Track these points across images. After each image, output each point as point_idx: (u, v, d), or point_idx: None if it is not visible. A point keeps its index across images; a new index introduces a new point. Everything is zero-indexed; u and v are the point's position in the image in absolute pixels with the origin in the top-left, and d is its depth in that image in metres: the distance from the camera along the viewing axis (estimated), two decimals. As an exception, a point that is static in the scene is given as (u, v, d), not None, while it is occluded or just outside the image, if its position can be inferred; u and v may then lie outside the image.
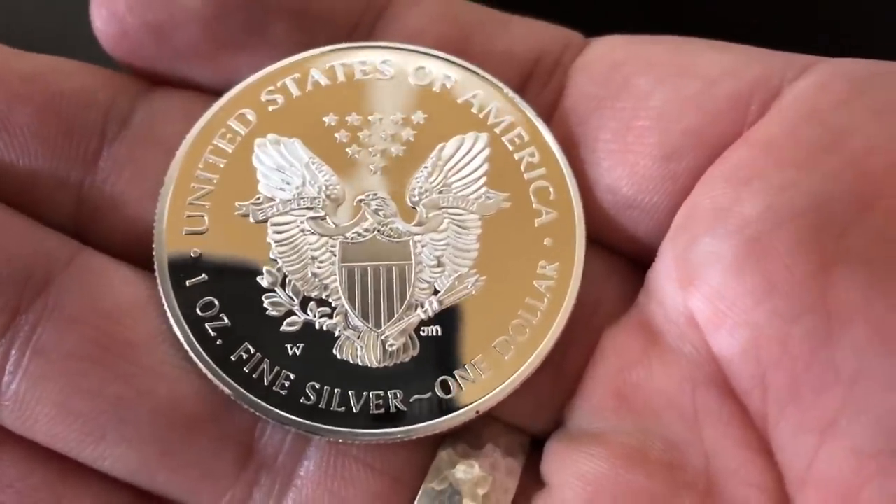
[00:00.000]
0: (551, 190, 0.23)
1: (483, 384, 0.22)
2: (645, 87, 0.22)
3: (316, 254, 0.23)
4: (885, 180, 0.20)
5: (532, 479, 0.22)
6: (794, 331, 0.20)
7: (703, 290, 0.21)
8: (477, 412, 0.22)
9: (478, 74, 0.24)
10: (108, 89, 0.23)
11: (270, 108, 0.23)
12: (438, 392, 0.22)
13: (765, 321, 0.20)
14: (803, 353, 0.20)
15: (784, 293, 0.20)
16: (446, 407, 0.22)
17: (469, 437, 0.22)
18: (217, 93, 0.24)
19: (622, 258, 0.24)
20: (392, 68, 0.24)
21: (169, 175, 0.23)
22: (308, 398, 0.22)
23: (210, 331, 0.22)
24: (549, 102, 0.24)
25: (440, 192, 0.23)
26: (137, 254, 0.23)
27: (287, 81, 0.24)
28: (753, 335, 0.20)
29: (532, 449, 0.23)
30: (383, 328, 0.22)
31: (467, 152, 0.23)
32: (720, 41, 0.23)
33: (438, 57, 0.24)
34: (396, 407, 0.22)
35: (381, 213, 0.23)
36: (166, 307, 0.22)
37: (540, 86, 0.24)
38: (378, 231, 0.23)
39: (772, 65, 0.22)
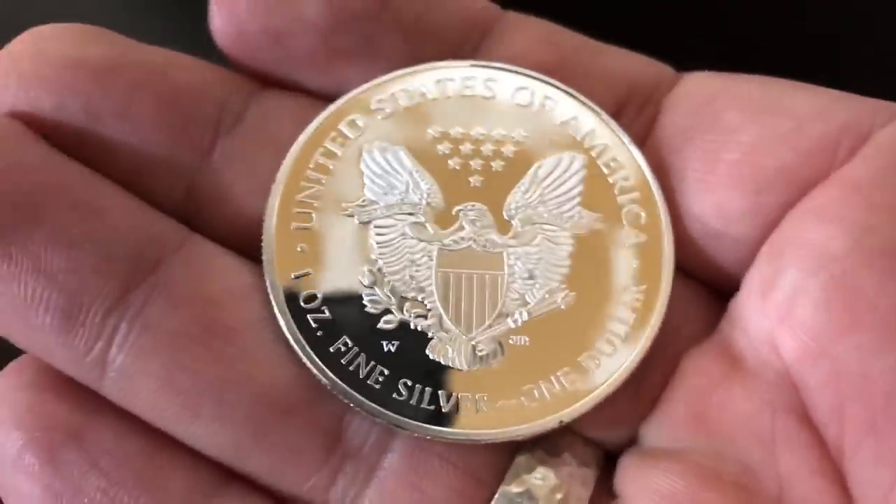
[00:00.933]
0: (643, 214, 0.24)
1: (567, 396, 0.22)
2: (735, 122, 0.23)
3: (414, 257, 0.23)
4: None
5: (604, 493, 0.23)
6: (876, 366, 0.20)
7: (789, 321, 0.22)
8: (561, 422, 0.22)
9: (576, 98, 0.25)
10: (223, 86, 0.24)
11: (379, 117, 0.24)
12: (523, 399, 0.22)
13: (847, 355, 0.21)
14: (884, 387, 0.20)
15: (868, 328, 0.21)
16: (531, 414, 0.22)
17: (547, 445, 0.23)
18: (326, 98, 0.25)
19: (706, 287, 0.24)
20: (495, 86, 0.25)
21: (281, 172, 0.24)
22: (400, 394, 0.22)
23: (311, 322, 0.23)
24: (642, 131, 0.25)
25: (536, 208, 0.24)
26: (242, 245, 0.24)
27: (396, 92, 0.24)
28: (835, 367, 0.21)
29: (606, 464, 0.23)
30: (474, 333, 0.23)
31: (564, 171, 0.24)
32: (810, 84, 0.24)
33: (539, 79, 0.25)
34: (483, 410, 0.22)
35: (477, 223, 0.24)
36: (272, 296, 0.23)
37: (634, 114, 0.25)
38: (474, 241, 0.23)
39: (861, 110, 0.23)
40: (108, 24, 0.25)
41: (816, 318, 0.21)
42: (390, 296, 0.23)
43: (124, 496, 0.22)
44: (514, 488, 0.23)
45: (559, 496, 0.22)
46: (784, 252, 0.22)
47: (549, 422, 0.22)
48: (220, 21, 0.24)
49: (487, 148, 0.24)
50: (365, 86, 0.24)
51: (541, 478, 0.23)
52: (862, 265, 0.21)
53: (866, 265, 0.21)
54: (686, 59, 0.25)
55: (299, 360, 0.22)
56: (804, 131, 0.23)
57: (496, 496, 0.22)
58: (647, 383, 0.23)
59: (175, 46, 0.25)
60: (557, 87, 0.25)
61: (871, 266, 0.21)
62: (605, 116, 0.24)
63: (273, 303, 0.23)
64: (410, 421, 0.22)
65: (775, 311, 0.22)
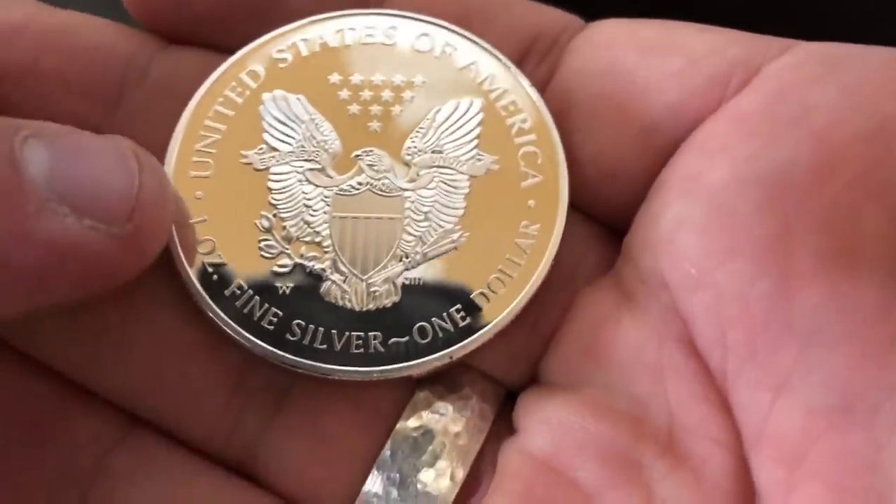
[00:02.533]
0: (539, 155, 0.24)
1: (459, 332, 0.23)
2: (630, 64, 0.23)
3: (310, 202, 0.24)
4: (846, 151, 0.21)
5: (504, 427, 0.23)
6: (754, 291, 0.21)
7: (672, 252, 0.22)
8: (450, 357, 0.23)
9: (478, 44, 0.25)
10: (128, 44, 0.25)
11: (280, 66, 0.25)
12: (416, 337, 0.23)
13: (727, 282, 0.21)
14: (761, 312, 0.21)
15: (745, 256, 0.21)
16: (422, 351, 0.23)
17: (447, 381, 0.23)
18: (232, 54, 0.25)
19: (604, 227, 0.24)
20: (396, 34, 0.25)
21: (179, 122, 0.24)
22: (293, 335, 0.23)
23: (207, 267, 0.23)
24: (543, 77, 0.25)
25: (433, 151, 0.24)
26: None
27: (297, 41, 0.25)
28: (715, 295, 0.21)
29: (507, 402, 0.24)
30: (369, 274, 0.23)
31: (462, 115, 0.24)
32: (708, 25, 0.24)
33: (441, 25, 0.25)
34: (375, 348, 0.23)
35: (375, 168, 0.24)
36: (168, 243, 0.23)
37: (536, 61, 0.25)
38: (371, 185, 0.24)
39: (753, 46, 0.23)
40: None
41: (696, 246, 0.21)
42: (286, 240, 0.23)
43: (27, 442, 0.22)
44: (412, 423, 0.23)
45: (456, 429, 0.23)
46: (669, 186, 0.22)
47: (439, 358, 0.23)
48: None
49: (387, 94, 0.24)
50: (266, 36, 0.25)
51: (439, 412, 0.23)
52: (739, 193, 0.21)
53: (743, 193, 0.21)
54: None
55: (196, 304, 0.23)
56: (695, 68, 0.23)
57: (395, 428, 0.23)
58: (545, 321, 0.23)
59: (89, 9, 0.25)
60: (459, 34, 0.25)
61: (748, 194, 0.21)
62: (506, 61, 0.24)
63: (169, 249, 0.23)
64: (303, 360, 0.22)
65: (659, 243, 0.22)
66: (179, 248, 0.23)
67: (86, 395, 0.23)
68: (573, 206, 0.24)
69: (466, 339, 0.23)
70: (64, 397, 0.23)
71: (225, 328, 0.23)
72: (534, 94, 0.24)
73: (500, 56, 0.25)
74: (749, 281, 0.21)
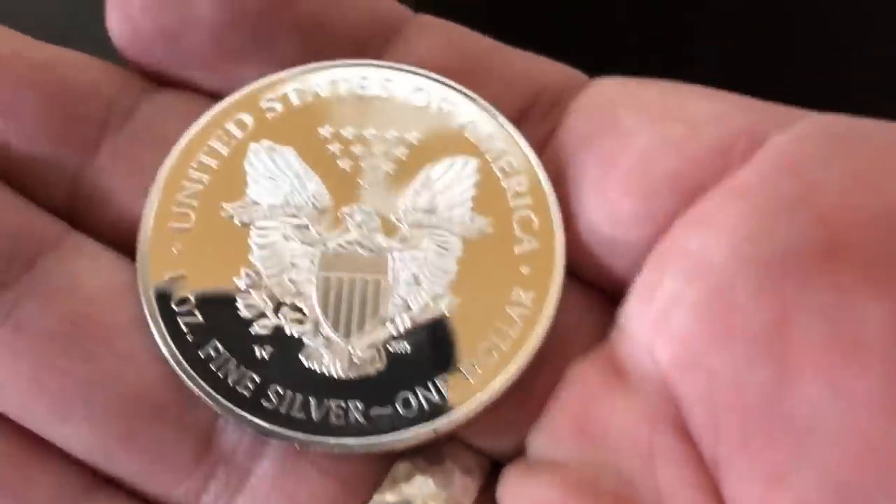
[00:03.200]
0: (534, 219, 0.23)
1: (445, 404, 0.22)
2: (631, 126, 0.23)
3: (295, 260, 0.23)
4: (850, 235, 0.20)
5: (488, 501, 0.22)
6: (750, 379, 0.20)
7: (665, 329, 0.21)
8: (434, 431, 0.22)
9: (475, 101, 0.24)
10: (113, 84, 0.24)
11: (269, 115, 0.24)
12: (399, 408, 0.22)
13: (722, 367, 0.20)
14: (756, 401, 0.20)
15: (742, 340, 0.20)
16: (406, 423, 0.22)
17: (429, 453, 0.22)
18: (222, 99, 0.24)
19: (601, 294, 0.24)
20: (392, 87, 0.24)
21: (161, 171, 0.23)
22: (270, 401, 0.22)
23: (183, 326, 0.22)
24: (543, 137, 0.24)
25: (425, 211, 0.23)
26: (125, 245, 0.23)
27: (288, 90, 0.24)
28: (709, 379, 0.20)
29: (493, 473, 0.23)
30: (352, 339, 0.22)
31: (456, 175, 0.23)
32: (713, 89, 0.23)
33: (438, 80, 0.24)
34: (356, 419, 0.22)
35: (364, 226, 0.23)
36: (142, 297, 0.22)
37: (537, 120, 0.24)
38: (359, 244, 0.23)
39: (759, 115, 0.22)
40: (8, 20, 0.25)
41: (690, 326, 0.20)
42: (267, 300, 0.22)
43: None
44: (389, 497, 0.22)
45: None
46: (666, 259, 0.21)
47: (423, 432, 0.22)
48: (115, 20, 0.24)
49: (379, 149, 0.24)
50: (255, 84, 0.24)
51: (418, 486, 0.22)
52: (738, 274, 0.20)
53: (742, 275, 0.20)
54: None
55: (169, 364, 0.22)
56: (697, 136, 0.22)
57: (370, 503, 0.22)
58: (535, 392, 0.22)
59: (82, 46, 0.25)
60: (456, 90, 0.24)
61: (747, 276, 0.20)
62: (503, 120, 0.24)
63: (143, 304, 0.22)
64: (279, 429, 0.22)
65: (653, 319, 0.21)
66: (155, 305, 0.22)
67: (49, 450, 0.22)
68: (569, 271, 0.23)
69: (453, 412, 0.22)
70: (26, 452, 0.22)
71: (197, 391, 0.22)
72: (532, 155, 0.23)
73: (498, 114, 0.24)
74: (745, 367, 0.20)
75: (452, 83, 0.24)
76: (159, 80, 0.24)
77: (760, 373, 0.20)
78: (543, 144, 0.24)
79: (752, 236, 0.21)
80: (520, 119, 0.24)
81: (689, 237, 0.21)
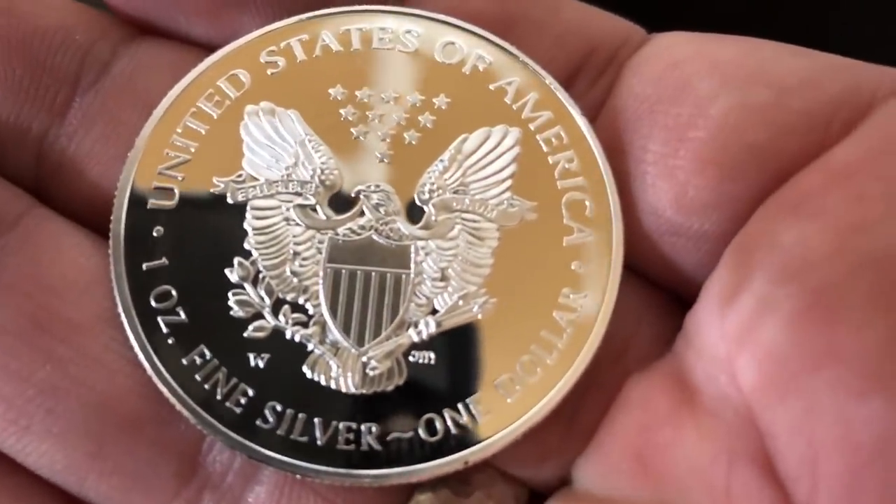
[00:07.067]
0: (588, 204, 0.21)
1: (478, 429, 0.20)
2: (706, 91, 0.21)
3: (299, 249, 0.21)
4: None
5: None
6: (860, 411, 0.18)
7: (752, 346, 0.19)
8: (465, 463, 0.20)
9: (518, 59, 0.22)
10: (88, 31, 0.22)
11: (269, 72, 0.22)
12: (422, 433, 0.20)
13: (824, 394, 0.18)
14: (869, 440, 0.18)
15: (850, 361, 0.18)
16: (430, 452, 0.20)
17: (454, 483, 0.20)
18: (214, 51, 0.22)
19: (662, 292, 0.21)
20: (417, 40, 0.22)
21: (141, 137, 0.21)
22: (266, 421, 0.20)
23: (163, 325, 0.20)
24: (597, 101, 0.22)
25: (455, 192, 0.21)
26: (99, 223, 0.21)
27: (293, 42, 0.22)
28: (807, 409, 0.18)
29: (533, 504, 0.21)
30: (366, 347, 0.20)
31: (493, 148, 0.21)
32: (802, 47, 0.21)
33: (474, 33, 0.22)
34: (369, 444, 0.20)
35: (381, 208, 0.21)
36: (116, 291, 0.20)
37: (590, 81, 0.22)
38: (376, 230, 0.21)
39: (861, 78, 0.20)
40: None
41: (784, 341, 0.18)
42: (264, 296, 0.20)
43: None
44: None
45: None
46: (750, 255, 0.19)
47: (451, 463, 0.19)
48: None
49: (400, 114, 0.21)
50: (255, 33, 0.22)
51: None
52: (846, 275, 0.18)
53: (852, 276, 0.18)
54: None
55: (145, 371, 0.20)
56: (786, 103, 0.20)
57: None
58: (585, 413, 0.21)
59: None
60: (495, 44, 0.22)
61: (858, 278, 0.18)
62: (551, 81, 0.22)
63: (117, 299, 0.20)
64: (276, 456, 0.19)
65: (735, 331, 0.19)
66: (130, 301, 0.20)
67: (20, 473, 0.21)
68: (628, 267, 0.21)
69: (486, 438, 0.20)
70: None
71: (179, 405, 0.20)
72: (584, 125, 0.21)
73: (546, 75, 0.22)
74: (854, 397, 0.18)
75: (490, 36, 0.22)
76: (142, 27, 0.22)
77: (875, 404, 0.18)
78: (597, 111, 0.22)
79: (860, 227, 0.19)
80: (569, 80, 0.22)
81: (780, 227, 0.19)
